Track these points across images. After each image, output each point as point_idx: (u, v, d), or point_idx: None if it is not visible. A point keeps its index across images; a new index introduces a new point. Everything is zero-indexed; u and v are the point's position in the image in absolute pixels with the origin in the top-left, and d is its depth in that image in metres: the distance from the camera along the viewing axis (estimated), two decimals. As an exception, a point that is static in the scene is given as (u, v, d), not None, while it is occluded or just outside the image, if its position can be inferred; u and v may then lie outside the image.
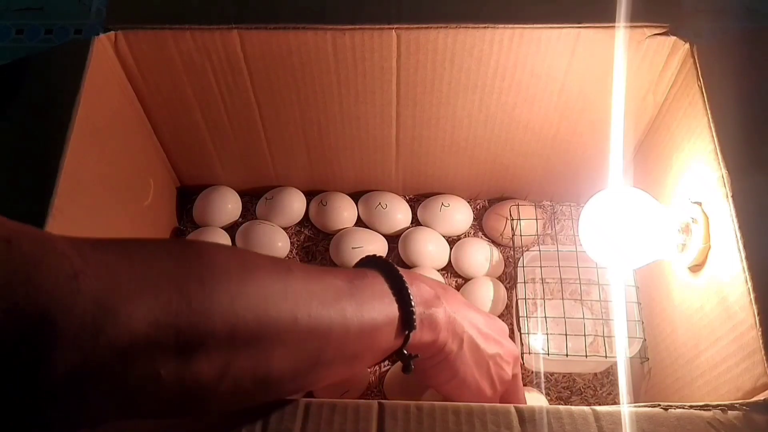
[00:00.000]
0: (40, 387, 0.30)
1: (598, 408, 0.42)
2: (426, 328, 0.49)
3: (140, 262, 0.34)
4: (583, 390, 0.73)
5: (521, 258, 0.75)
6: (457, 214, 0.83)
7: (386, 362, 0.72)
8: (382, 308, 0.46)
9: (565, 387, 0.73)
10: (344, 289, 0.44)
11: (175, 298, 0.33)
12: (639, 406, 0.43)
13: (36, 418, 0.31)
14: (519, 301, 0.72)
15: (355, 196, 0.85)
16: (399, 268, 0.49)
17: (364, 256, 0.53)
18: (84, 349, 0.30)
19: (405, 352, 0.49)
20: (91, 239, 0.35)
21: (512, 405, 0.43)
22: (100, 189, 0.63)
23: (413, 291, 0.48)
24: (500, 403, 0.46)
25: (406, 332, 0.47)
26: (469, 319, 0.54)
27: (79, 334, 0.30)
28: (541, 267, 0.76)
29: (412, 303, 0.47)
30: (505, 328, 0.60)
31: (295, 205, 0.84)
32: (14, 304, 0.28)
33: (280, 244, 0.81)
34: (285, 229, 0.84)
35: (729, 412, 0.42)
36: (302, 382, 0.43)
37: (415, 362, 0.50)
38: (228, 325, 0.35)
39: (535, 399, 0.69)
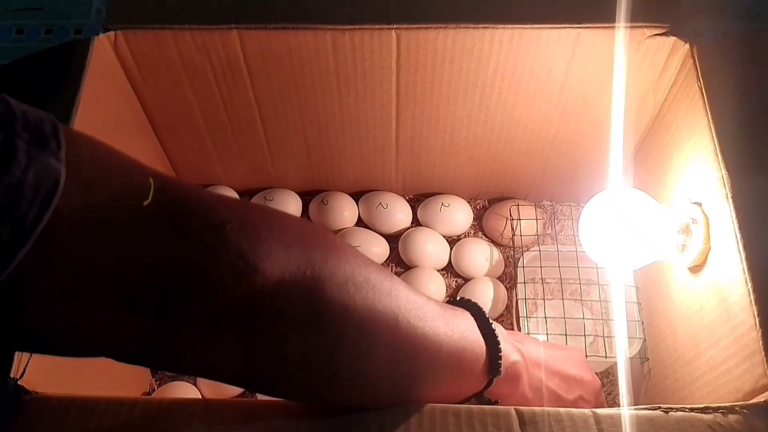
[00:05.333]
0: (179, 325, 0.33)
1: (599, 411, 0.42)
2: (509, 378, 0.48)
3: (278, 225, 0.36)
4: (583, 390, 0.73)
5: (521, 258, 0.75)
6: (457, 214, 0.83)
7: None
8: (472, 341, 0.46)
9: (565, 387, 0.73)
10: (439, 311, 0.44)
11: (303, 265, 0.35)
12: (639, 409, 0.43)
13: (165, 352, 0.34)
14: (519, 302, 0.72)
15: (356, 196, 0.85)
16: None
17: (452, 297, 0.52)
18: (222, 296, 0.33)
19: (485, 396, 0.48)
20: (236, 198, 0.37)
21: (513, 407, 0.43)
22: (100, 189, 0.62)
23: (500, 337, 0.47)
24: None
25: (491, 376, 0.47)
26: (548, 366, 0.53)
27: (221, 283, 0.32)
28: (541, 267, 0.76)
29: (500, 347, 0.47)
30: (583, 358, 0.59)
31: (290, 207, 0.84)
32: (168, 248, 0.31)
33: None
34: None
35: (729, 415, 0.42)
36: (395, 390, 0.43)
37: None
38: (342, 304, 0.37)
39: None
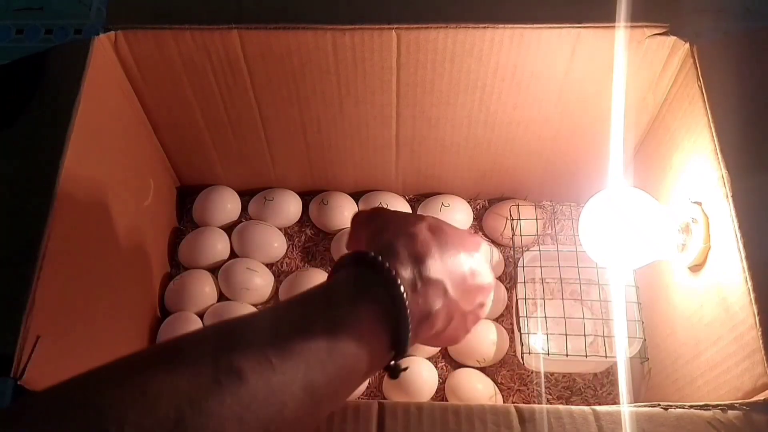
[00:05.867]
0: None
1: (598, 408, 0.42)
2: (417, 336, 0.45)
3: None
4: (583, 390, 0.73)
5: (521, 258, 0.75)
6: (457, 214, 0.83)
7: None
8: (371, 348, 0.41)
9: (565, 387, 0.73)
10: (323, 352, 0.38)
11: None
12: (639, 406, 0.43)
13: None
14: (519, 301, 0.72)
15: (356, 196, 0.85)
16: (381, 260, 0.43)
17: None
18: None
19: (393, 364, 0.45)
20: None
21: (512, 405, 0.43)
22: (100, 189, 0.63)
23: (411, 306, 0.42)
24: None
25: (394, 353, 0.43)
26: (453, 279, 0.47)
27: None
28: (541, 267, 0.76)
29: (410, 327, 0.42)
30: (485, 250, 0.55)
31: (291, 207, 0.84)
32: None
33: (276, 244, 0.82)
34: (285, 229, 0.84)
35: (729, 411, 0.42)
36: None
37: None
38: None
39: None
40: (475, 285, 0.50)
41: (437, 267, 0.46)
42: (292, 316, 0.40)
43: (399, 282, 0.42)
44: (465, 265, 0.50)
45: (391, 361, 0.44)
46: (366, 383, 0.73)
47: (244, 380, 0.34)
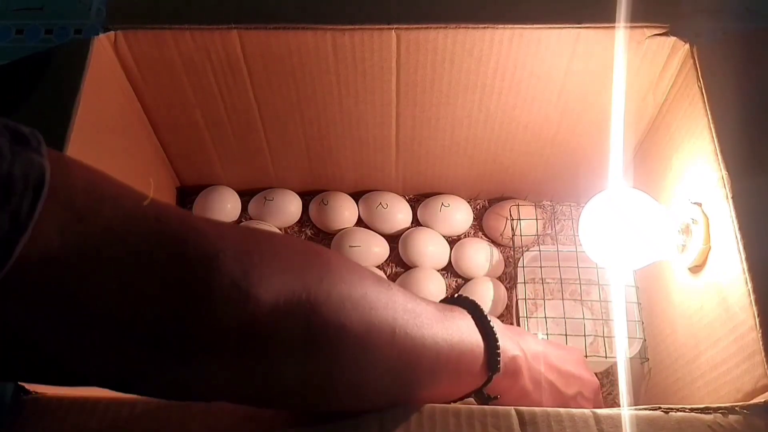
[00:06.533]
0: (178, 353, 0.33)
1: (599, 411, 0.42)
2: (508, 373, 0.49)
3: (271, 250, 0.36)
4: (583, 390, 0.73)
5: (521, 258, 0.75)
6: (457, 214, 0.83)
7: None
8: (471, 342, 0.46)
9: (565, 387, 0.73)
10: (437, 315, 0.44)
11: (297, 290, 0.35)
12: (640, 409, 0.43)
13: (164, 379, 0.34)
14: (519, 302, 0.72)
15: (356, 196, 0.85)
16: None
17: (451, 296, 0.52)
18: (218, 324, 0.33)
19: (485, 392, 0.48)
20: (228, 223, 0.36)
21: (513, 408, 0.43)
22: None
23: (498, 334, 0.47)
24: None
25: (490, 374, 0.47)
26: (548, 361, 0.53)
27: (216, 312, 0.33)
28: (541, 267, 0.76)
29: (498, 344, 0.47)
30: (582, 358, 0.59)
31: (291, 207, 0.84)
32: (163, 279, 0.32)
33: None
34: (286, 229, 0.84)
35: (729, 415, 0.42)
36: (393, 398, 0.43)
37: (496, 403, 0.50)
38: (338, 325, 0.37)
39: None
40: (569, 371, 0.55)
41: (534, 345, 0.53)
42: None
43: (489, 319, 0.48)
44: (557, 353, 0.56)
45: (483, 384, 0.48)
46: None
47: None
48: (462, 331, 0.45)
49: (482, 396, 0.49)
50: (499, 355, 0.47)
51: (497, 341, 0.47)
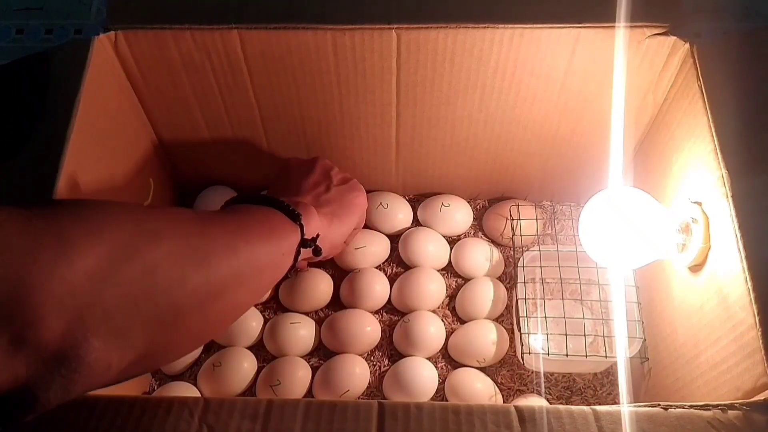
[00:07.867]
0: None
1: (598, 408, 0.42)
2: (307, 212, 0.60)
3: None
4: (583, 390, 0.73)
5: (521, 258, 0.75)
6: (457, 214, 0.83)
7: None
8: (262, 214, 0.57)
9: (565, 387, 0.73)
10: (230, 230, 0.51)
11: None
12: (639, 406, 0.43)
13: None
14: (519, 301, 0.72)
15: (355, 196, 0.85)
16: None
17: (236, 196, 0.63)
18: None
19: (306, 239, 0.59)
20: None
21: (512, 405, 0.43)
22: (100, 189, 0.63)
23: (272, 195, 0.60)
24: None
25: (298, 222, 0.58)
26: (317, 192, 0.67)
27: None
28: (541, 267, 0.76)
29: (282, 200, 0.58)
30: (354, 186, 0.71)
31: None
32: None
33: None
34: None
35: (729, 411, 0.42)
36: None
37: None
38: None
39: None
40: (337, 186, 0.69)
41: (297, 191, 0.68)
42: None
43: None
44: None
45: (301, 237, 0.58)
46: (365, 383, 0.73)
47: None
48: (251, 213, 0.56)
49: (307, 243, 0.59)
50: (289, 205, 0.58)
51: (282, 201, 0.58)
